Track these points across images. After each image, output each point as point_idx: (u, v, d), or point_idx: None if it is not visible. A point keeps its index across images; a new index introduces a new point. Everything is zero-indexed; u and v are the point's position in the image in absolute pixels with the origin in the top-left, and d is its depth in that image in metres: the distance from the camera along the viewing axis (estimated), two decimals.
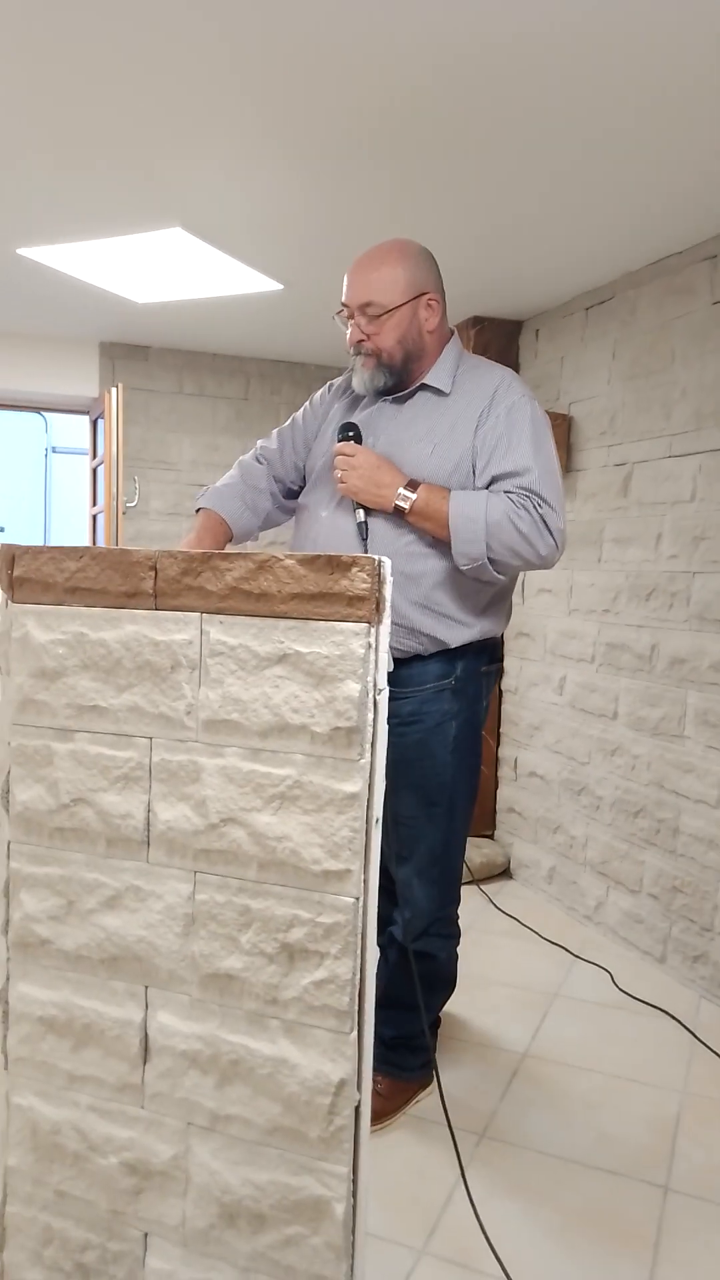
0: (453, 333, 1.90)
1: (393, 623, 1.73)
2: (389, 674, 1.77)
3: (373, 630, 1.15)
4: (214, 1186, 1.25)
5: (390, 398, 1.85)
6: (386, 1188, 1.79)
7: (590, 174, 2.21)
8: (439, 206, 2.45)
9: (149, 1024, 1.28)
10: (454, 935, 2.01)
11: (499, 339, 3.52)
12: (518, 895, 3.40)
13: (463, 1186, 1.80)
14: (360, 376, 1.82)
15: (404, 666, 1.83)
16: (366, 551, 1.75)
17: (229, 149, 2.15)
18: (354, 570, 1.14)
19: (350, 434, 1.80)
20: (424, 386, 1.83)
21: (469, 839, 3.59)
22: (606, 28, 1.61)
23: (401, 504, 1.71)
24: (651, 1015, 2.51)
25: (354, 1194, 1.19)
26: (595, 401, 3.10)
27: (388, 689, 1.20)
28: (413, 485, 1.72)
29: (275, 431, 2.08)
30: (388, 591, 1.15)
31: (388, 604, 1.16)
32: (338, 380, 2.04)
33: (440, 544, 1.75)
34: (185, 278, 3.05)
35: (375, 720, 1.17)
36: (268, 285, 3.11)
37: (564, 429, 3.19)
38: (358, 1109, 1.18)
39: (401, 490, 1.71)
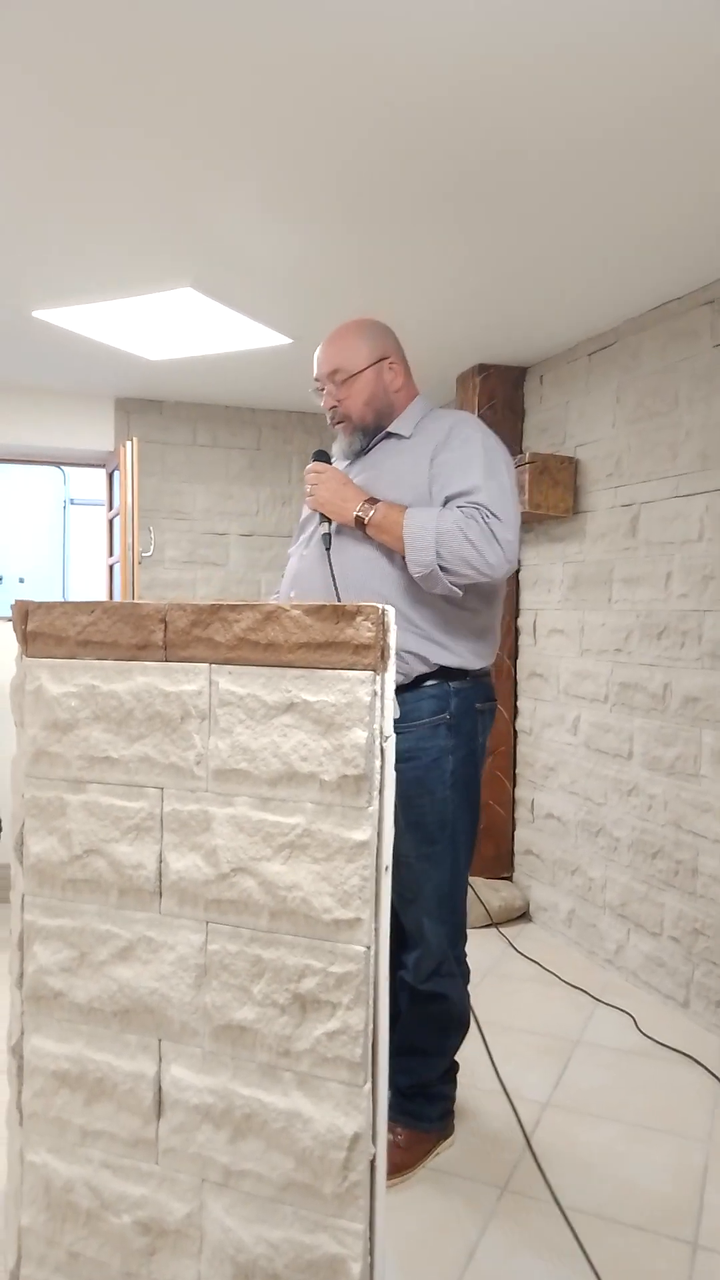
0: (419, 393, 2.03)
1: None
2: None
3: (378, 678, 1.16)
4: (228, 1245, 1.23)
5: (359, 452, 2.00)
6: (405, 1245, 1.75)
7: (591, 221, 2.26)
8: (443, 258, 2.51)
9: (162, 1077, 1.28)
10: (462, 974, 1.99)
11: (504, 386, 3.57)
12: (537, 938, 3.36)
13: (484, 1243, 1.76)
14: (340, 443, 1.99)
15: (399, 702, 1.84)
16: (330, 563, 1.85)
17: (237, 209, 2.22)
18: (359, 619, 1.15)
19: (322, 458, 1.97)
20: (388, 434, 1.97)
21: (486, 880, 3.57)
22: (606, 76, 1.66)
23: (361, 514, 1.82)
24: (676, 1061, 2.46)
25: (371, 1252, 1.17)
26: (601, 444, 3.14)
27: (394, 737, 1.22)
28: (373, 501, 1.84)
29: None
30: (392, 640, 1.17)
31: (393, 652, 1.17)
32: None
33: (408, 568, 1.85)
34: (196, 334, 3.13)
35: (383, 767, 1.18)
36: (277, 339, 3.19)
37: (570, 472, 3.22)
38: (373, 1163, 1.17)
39: (362, 504, 1.83)
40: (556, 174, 2.01)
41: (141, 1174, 1.29)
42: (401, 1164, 1.94)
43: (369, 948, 1.16)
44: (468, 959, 2.02)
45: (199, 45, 1.56)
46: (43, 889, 1.34)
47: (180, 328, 3.06)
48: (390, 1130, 1.94)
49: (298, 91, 1.70)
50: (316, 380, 1.98)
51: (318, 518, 1.91)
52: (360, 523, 1.82)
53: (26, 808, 1.35)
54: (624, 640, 3.01)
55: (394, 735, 1.22)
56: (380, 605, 1.16)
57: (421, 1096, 1.99)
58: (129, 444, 3.77)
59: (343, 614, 1.16)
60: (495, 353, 3.42)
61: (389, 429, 1.96)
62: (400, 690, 1.86)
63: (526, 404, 3.61)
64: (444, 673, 1.88)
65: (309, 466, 1.93)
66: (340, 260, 2.53)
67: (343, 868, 1.16)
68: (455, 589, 1.78)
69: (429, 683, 1.88)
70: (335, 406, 1.95)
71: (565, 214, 2.21)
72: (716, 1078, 2.36)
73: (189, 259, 2.52)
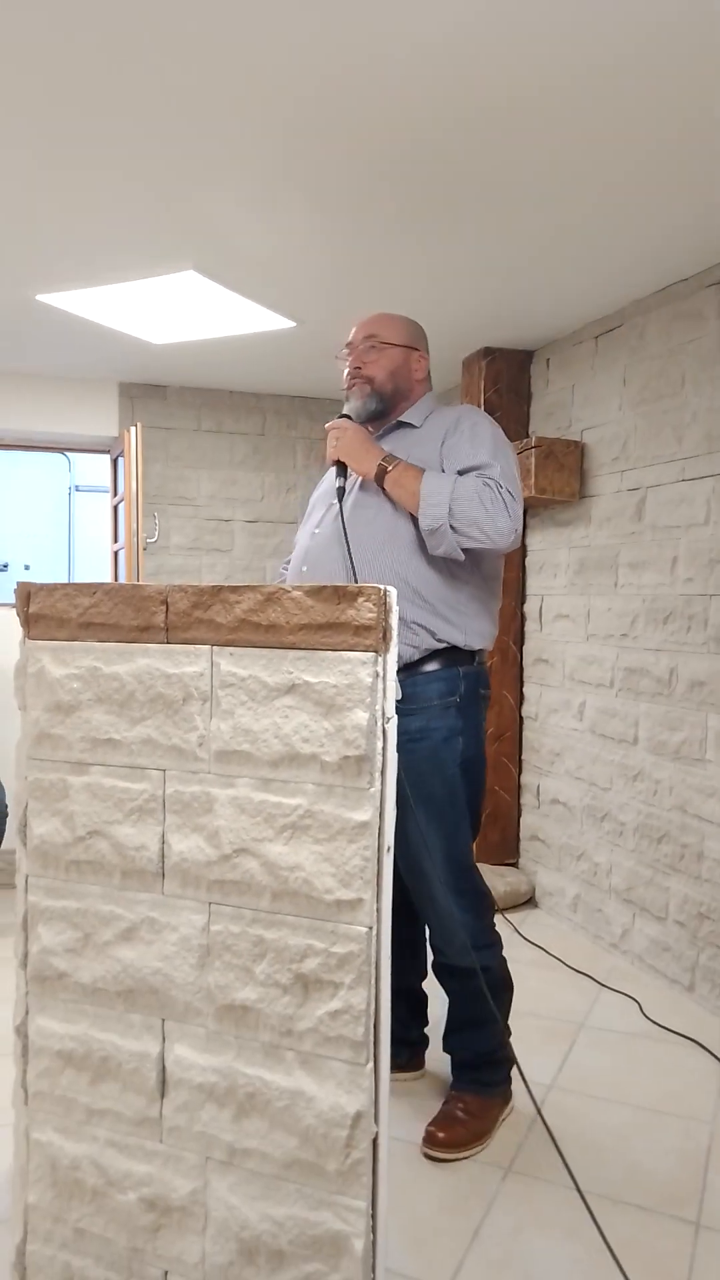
0: (430, 388, 2.14)
1: None
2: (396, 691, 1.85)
3: (380, 659, 1.16)
4: (232, 1222, 1.24)
5: (371, 420, 2.07)
6: (411, 1224, 1.77)
7: (596, 204, 2.24)
8: (448, 241, 2.49)
9: (166, 1057, 1.28)
10: (497, 942, 2.06)
11: (510, 369, 3.55)
12: (543, 924, 3.36)
13: (489, 1221, 1.77)
14: (353, 405, 2.05)
15: (409, 684, 1.91)
16: (342, 515, 1.91)
17: (240, 191, 2.21)
18: (360, 600, 1.15)
19: (347, 414, 2.02)
20: (400, 424, 2.06)
21: (492, 866, 3.57)
22: (610, 59, 1.64)
23: (385, 464, 1.90)
24: (680, 1045, 2.46)
25: (373, 1229, 1.18)
26: (607, 428, 3.12)
27: (396, 718, 1.21)
28: (392, 459, 1.92)
29: None
30: (394, 620, 1.16)
31: (394, 633, 1.17)
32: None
33: (420, 542, 1.90)
34: (200, 318, 3.12)
35: (384, 748, 1.18)
36: (281, 323, 3.17)
37: (576, 456, 3.20)
38: (375, 1141, 1.18)
39: (385, 456, 1.92)
40: (562, 156, 1.99)
41: (146, 1152, 1.30)
42: (479, 1131, 2.01)
43: (371, 928, 1.16)
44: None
45: (197, 35, 1.54)
46: (46, 871, 1.35)
47: (184, 311, 3.04)
48: (459, 1101, 2.04)
49: (297, 78, 1.68)
50: (346, 346, 2.07)
51: (334, 488, 1.98)
52: (382, 472, 1.90)
53: (29, 790, 1.35)
54: (630, 625, 3.00)
55: (396, 716, 1.21)
56: (381, 586, 1.16)
57: (487, 1064, 2.07)
58: (133, 430, 3.76)
59: (344, 595, 1.16)
60: (501, 336, 3.40)
61: (401, 418, 2.05)
62: (410, 672, 1.93)
63: (533, 387, 3.59)
64: (450, 655, 1.95)
65: (331, 422, 2.01)
66: (344, 244, 2.51)
67: (344, 848, 1.16)
68: (459, 551, 1.85)
69: (437, 666, 1.94)
70: (360, 368, 2.03)
71: (571, 196, 2.19)
72: None
73: (190, 244, 2.51)
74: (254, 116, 1.85)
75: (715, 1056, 2.39)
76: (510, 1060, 2.09)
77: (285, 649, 1.20)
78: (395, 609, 1.17)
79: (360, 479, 1.99)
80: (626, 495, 3.02)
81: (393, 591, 1.16)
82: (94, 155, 2.01)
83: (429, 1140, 1.96)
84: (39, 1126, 1.37)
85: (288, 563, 2.23)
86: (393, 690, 1.19)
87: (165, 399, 4.21)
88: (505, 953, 2.08)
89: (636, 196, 2.19)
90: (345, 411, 2.04)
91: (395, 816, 1.86)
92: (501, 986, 2.07)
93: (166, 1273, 1.30)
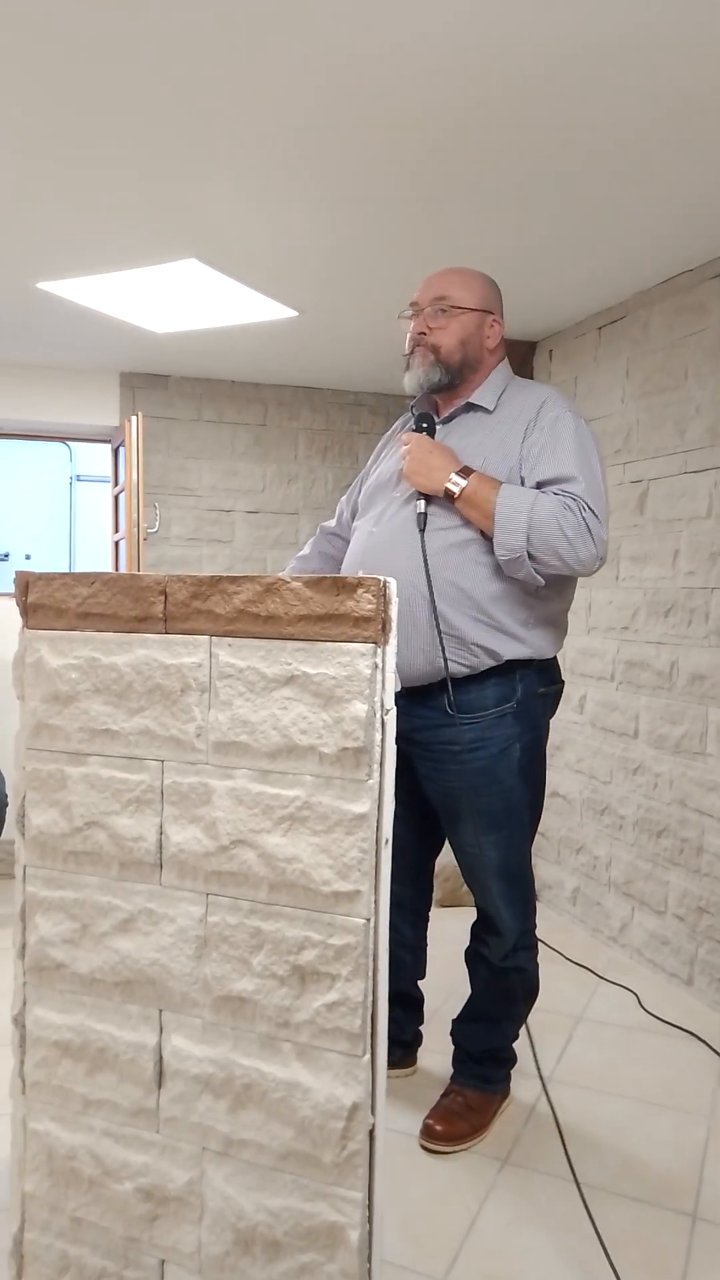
0: (504, 358, 1.94)
1: (445, 635, 1.75)
2: (449, 701, 1.77)
3: (379, 650, 1.15)
4: (229, 1212, 1.24)
5: (438, 420, 1.89)
6: (407, 1215, 1.77)
7: (601, 194, 2.22)
8: (451, 230, 2.47)
9: (163, 1047, 1.28)
10: (535, 945, 2.05)
11: (513, 360, 3.49)
12: (542, 916, 3.34)
13: (485, 1213, 1.78)
14: (415, 375, 1.86)
15: (463, 691, 1.80)
16: (423, 544, 1.74)
17: (242, 179, 2.19)
18: (360, 591, 1.14)
19: (424, 425, 1.84)
20: (470, 406, 1.87)
21: None
22: (615, 49, 1.63)
23: (451, 488, 1.72)
24: (678, 1038, 2.47)
25: (369, 1220, 1.18)
26: (609, 420, 3.11)
27: (395, 710, 1.21)
28: (465, 472, 1.73)
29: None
30: (393, 612, 1.16)
31: (394, 624, 1.16)
32: (397, 424, 2.11)
33: (494, 557, 1.75)
34: (202, 307, 3.10)
35: (383, 740, 1.17)
36: (283, 312, 3.15)
37: None
38: (371, 1133, 1.18)
39: (453, 476, 1.73)
40: (566, 146, 1.97)
41: (143, 1142, 1.30)
42: (479, 1125, 2.00)
43: (368, 920, 1.16)
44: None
45: (199, 24, 1.52)
46: (44, 861, 1.35)
47: (185, 300, 3.03)
48: (460, 1094, 2.03)
49: (299, 66, 1.66)
50: (413, 304, 1.87)
51: (403, 489, 1.82)
52: (450, 495, 1.73)
53: (28, 780, 1.35)
54: (631, 618, 2.99)
55: (395, 709, 1.21)
56: (381, 578, 1.15)
57: (491, 1060, 2.06)
58: (134, 419, 3.75)
59: (343, 586, 1.15)
60: (505, 327, 3.38)
61: (471, 399, 1.86)
62: (465, 680, 1.81)
63: (536, 379, 3.57)
64: (511, 662, 1.82)
65: (403, 435, 1.84)
66: (347, 233, 2.49)
67: (342, 840, 1.16)
68: (538, 577, 1.71)
69: (492, 674, 1.82)
70: (424, 333, 1.84)
71: (574, 187, 2.17)
72: (719, 1054, 2.37)
73: (192, 232, 2.49)
74: (255, 105, 1.83)
75: (713, 1050, 2.39)
76: (514, 1061, 2.10)
77: (284, 640, 1.19)
78: (395, 600, 1.16)
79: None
80: (629, 488, 3.01)
81: (392, 583, 1.16)
82: (95, 143, 2.00)
83: (427, 1133, 1.96)
84: (36, 1116, 1.37)
85: (301, 557, 2.15)
86: (392, 682, 1.19)
87: (166, 389, 4.19)
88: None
89: (641, 187, 2.18)
90: (405, 383, 1.87)
91: (456, 826, 1.86)
92: (531, 991, 2.05)
93: (163, 1262, 1.30)
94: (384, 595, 1.14)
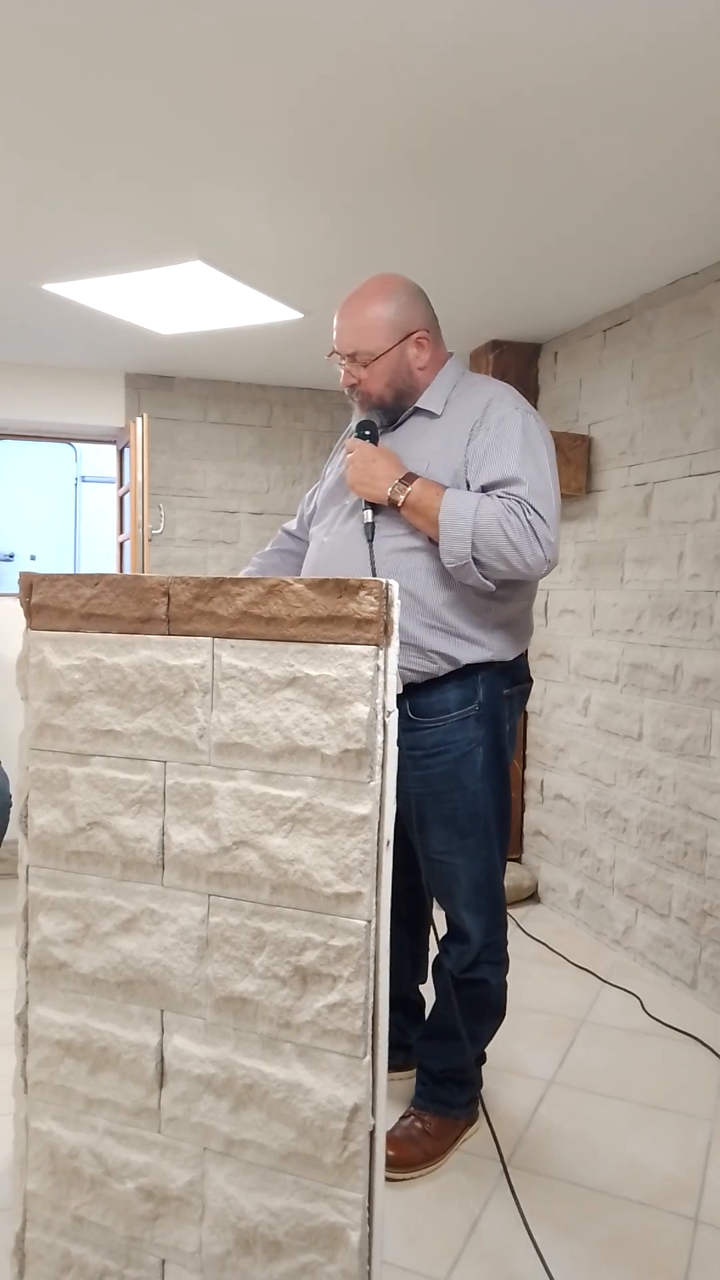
0: (450, 355, 1.90)
1: (403, 643, 1.72)
2: (411, 703, 1.77)
3: (381, 653, 1.15)
4: (230, 1213, 1.25)
5: (385, 425, 1.87)
6: (408, 1216, 1.77)
7: (606, 196, 2.22)
8: (456, 233, 2.48)
9: (165, 1048, 1.29)
10: (503, 961, 1.96)
11: (518, 362, 3.54)
12: (545, 919, 3.36)
13: (487, 1215, 1.78)
14: (358, 414, 1.87)
15: (424, 695, 1.80)
16: (371, 553, 1.74)
17: (247, 181, 2.20)
18: (362, 593, 1.15)
19: (367, 432, 1.82)
20: (416, 410, 1.85)
21: None
22: (618, 50, 1.63)
23: (395, 496, 1.71)
24: (681, 1041, 2.46)
25: (369, 1221, 1.18)
26: (614, 422, 3.10)
27: (397, 712, 1.21)
28: (409, 478, 1.71)
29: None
30: (395, 614, 1.16)
31: (395, 626, 1.17)
32: (350, 427, 2.06)
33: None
34: (207, 309, 3.11)
35: (385, 742, 1.18)
36: (288, 314, 3.16)
37: (584, 450, 3.19)
38: (372, 1134, 1.18)
39: (396, 483, 1.71)
40: (573, 147, 1.97)
41: (145, 1142, 1.31)
42: (433, 1152, 1.92)
43: (369, 921, 1.16)
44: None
45: (203, 24, 1.53)
46: (47, 861, 1.35)
47: (190, 302, 3.04)
48: (419, 1118, 1.95)
49: (305, 67, 1.67)
50: (335, 352, 1.84)
51: (351, 498, 1.82)
52: (395, 500, 1.71)
53: (31, 780, 1.35)
54: (635, 621, 2.99)
55: (396, 711, 1.21)
56: (383, 580, 1.15)
57: (452, 1082, 1.97)
58: (139, 420, 3.75)
59: (346, 588, 1.15)
60: (509, 329, 3.38)
61: (418, 404, 1.84)
62: (426, 683, 1.80)
63: (540, 381, 3.57)
64: (471, 665, 1.80)
65: (349, 442, 1.83)
66: (352, 235, 2.50)
67: (344, 842, 1.16)
68: (487, 583, 1.69)
69: (452, 677, 1.80)
70: (354, 385, 1.83)
71: (581, 189, 2.17)
72: None
73: (197, 234, 2.50)
74: (261, 106, 1.83)
75: (716, 1053, 2.39)
76: (477, 1084, 2.00)
77: (286, 642, 1.19)
78: (397, 602, 1.16)
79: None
80: (633, 490, 3.00)
81: (394, 585, 1.16)
82: (100, 146, 2.00)
83: None
84: (38, 1115, 1.37)
85: (263, 554, 2.12)
86: (394, 684, 1.19)
87: (171, 390, 4.20)
88: (508, 948, 2.02)
89: (646, 190, 2.18)
90: (354, 416, 1.88)
91: (423, 833, 1.83)
92: (493, 1008, 1.98)
93: (164, 1261, 1.30)
94: (386, 597, 1.15)
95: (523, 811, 3.69)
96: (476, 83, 1.73)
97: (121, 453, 4.39)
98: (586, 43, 1.60)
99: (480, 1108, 2.00)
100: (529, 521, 1.64)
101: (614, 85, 1.73)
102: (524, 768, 3.68)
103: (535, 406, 3.55)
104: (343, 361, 1.83)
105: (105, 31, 1.59)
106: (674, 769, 2.79)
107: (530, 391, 3.56)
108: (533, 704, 3.60)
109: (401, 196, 2.25)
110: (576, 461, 3.17)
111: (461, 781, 1.82)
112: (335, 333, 1.83)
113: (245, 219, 2.41)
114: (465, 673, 1.80)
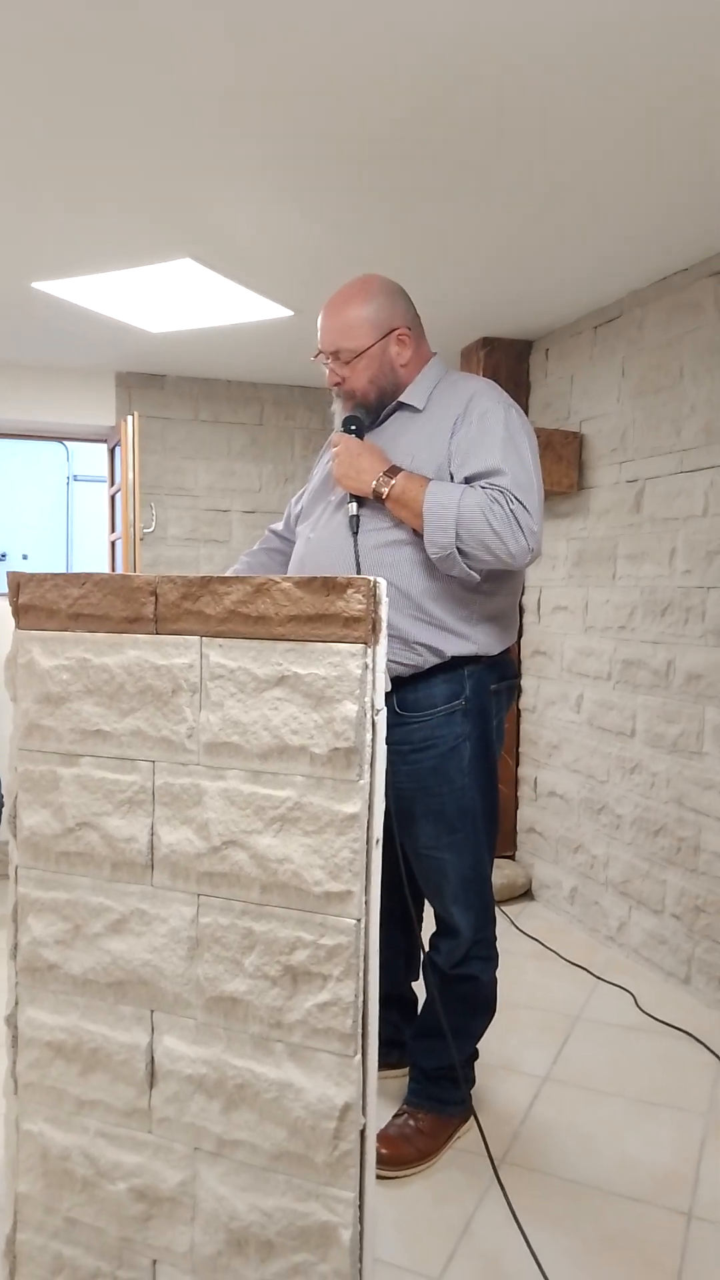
0: (434, 354, 1.92)
1: (389, 637, 1.73)
2: (398, 698, 1.77)
3: (369, 651, 1.15)
4: (221, 1213, 1.24)
5: (369, 421, 1.89)
6: (402, 1214, 1.77)
7: (595, 193, 2.22)
8: (446, 231, 2.47)
9: (155, 1048, 1.28)
10: (493, 957, 1.97)
11: (508, 360, 3.53)
12: (539, 916, 3.37)
13: (481, 1213, 1.78)
14: (342, 412, 1.89)
15: (410, 689, 1.80)
16: (356, 547, 1.75)
17: (236, 180, 2.19)
18: (350, 592, 1.14)
19: (353, 427, 1.84)
20: (400, 405, 1.87)
21: None
22: (606, 48, 1.63)
23: (380, 488, 1.72)
24: (675, 1038, 2.47)
25: (361, 1220, 1.18)
26: (605, 419, 3.11)
27: (385, 709, 1.21)
28: (394, 471, 1.73)
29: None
30: (384, 612, 1.16)
31: (384, 624, 1.16)
32: (337, 423, 2.08)
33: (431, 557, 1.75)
34: (197, 307, 3.10)
35: (374, 741, 1.17)
36: (279, 312, 3.15)
37: (575, 447, 3.19)
38: (363, 1133, 1.18)
39: (381, 476, 1.73)
40: (562, 145, 1.97)
41: (136, 1143, 1.30)
42: (427, 1149, 1.92)
43: (359, 920, 1.16)
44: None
45: (194, 25, 1.52)
46: (36, 862, 1.34)
47: (180, 300, 3.03)
48: (412, 1116, 1.95)
49: (291, 66, 1.66)
50: (319, 353, 1.87)
51: (337, 494, 1.84)
52: (379, 496, 1.73)
53: (20, 781, 1.35)
54: (628, 617, 2.99)
55: (385, 709, 1.21)
56: (371, 578, 1.15)
57: (445, 1080, 1.96)
58: (130, 419, 3.74)
59: (333, 587, 1.15)
60: (500, 326, 3.38)
61: (401, 399, 1.86)
62: (413, 678, 1.81)
63: (531, 378, 3.57)
64: (458, 659, 1.81)
65: (333, 437, 1.85)
66: (342, 233, 2.49)
67: (333, 840, 1.16)
68: (472, 573, 1.70)
69: (439, 671, 1.81)
70: (339, 384, 1.86)
71: (571, 185, 2.17)
72: (715, 1054, 2.37)
73: (186, 232, 2.49)
74: (249, 105, 1.83)
75: (710, 1049, 2.39)
76: (470, 1082, 2.00)
77: (274, 641, 1.19)
78: (385, 600, 1.16)
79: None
80: (625, 487, 3.01)
81: (382, 583, 1.16)
82: (90, 144, 1.99)
83: None
84: (29, 1117, 1.37)
85: (251, 552, 2.13)
86: (383, 682, 1.19)
87: (163, 388, 4.19)
88: (501, 945, 2.03)
89: (635, 186, 2.17)
90: (334, 410, 1.90)
91: (411, 829, 1.83)
92: (484, 1004, 1.98)
93: (156, 1262, 1.30)
94: (374, 595, 1.14)
95: (516, 809, 3.69)
96: (464, 83, 1.73)
97: (113, 451, 4.38)
98: (575, 41, 1.60)
99: (473, 1110, 1.98)
100: (512, 511, 1.65)
101: (603, 83, 1.73)
102: (517, 765, 3.68)
103: (526, 404, 3.57)
104: (327, 361, 1.85)
105: (95, 29, 1.58)
106: (667, 765, 2.79)
107: (521, 389, 3.56)
108: (525, 701, 3.61)
109: (392, 194, 2.25)
110: (568, 459, 3.17)
111: (449, 776, 1.82)
112: (319, 333, 1.85)
113: (235, 216, 2.40)
114: (452, 667, 1.81)
